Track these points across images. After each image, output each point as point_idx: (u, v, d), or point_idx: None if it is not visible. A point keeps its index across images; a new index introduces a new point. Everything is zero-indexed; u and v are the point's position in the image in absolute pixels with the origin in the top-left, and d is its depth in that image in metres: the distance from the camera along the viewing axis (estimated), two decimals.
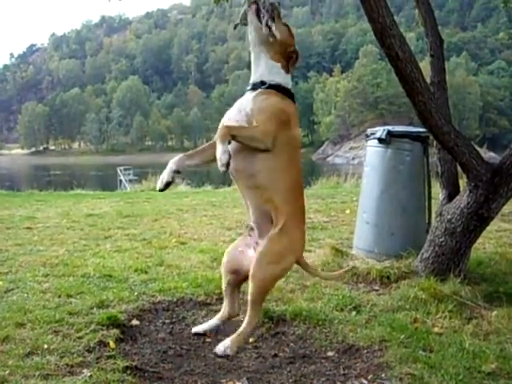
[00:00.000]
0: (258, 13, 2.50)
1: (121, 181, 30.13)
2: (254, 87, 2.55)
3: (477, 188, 3.72)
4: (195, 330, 3.00)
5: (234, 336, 2.72)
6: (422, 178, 4.57)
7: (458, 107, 65.72)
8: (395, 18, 3.36)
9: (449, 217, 3.90)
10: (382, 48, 3.40)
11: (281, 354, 3.05)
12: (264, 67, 2.56)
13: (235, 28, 2.71)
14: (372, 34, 3.35)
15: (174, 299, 3.75)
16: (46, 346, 2.88)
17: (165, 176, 2.45)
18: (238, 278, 2.85)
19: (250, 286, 2.63)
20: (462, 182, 4.08)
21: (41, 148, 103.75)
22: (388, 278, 4.04)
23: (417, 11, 4.21)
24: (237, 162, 2.45)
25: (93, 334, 3.07)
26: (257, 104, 2.46)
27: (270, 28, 2.52)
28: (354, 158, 63.06)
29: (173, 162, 2.49)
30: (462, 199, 3.83)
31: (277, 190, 2.53)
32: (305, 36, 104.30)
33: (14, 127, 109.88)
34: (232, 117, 2.50)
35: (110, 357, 2.85)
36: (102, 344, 3.00)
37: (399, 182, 4.54)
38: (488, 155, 40.89)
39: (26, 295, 3.75)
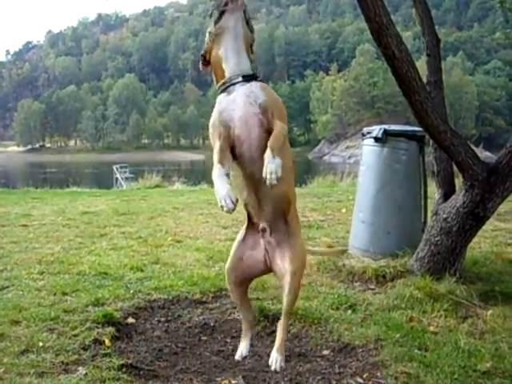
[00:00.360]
0: (245, 7, 2.45)
1: (117, 179, 30.05)
2: (247, 79, 2.45)
3: (473, 187, 3.73)
4: (241, 356, 2.59)
5: (278, 347, 2.42)
6: (418, 177, 4.58)
7: (455, 107, 65.83)
8: (392, 17, 3.36)
9: (444, 216, 3.91)
10: (378, 47, 3.41)
11: None
12: (245, 62, 2.49)
13: (211, 16, 2.60)
14: (369, 32, 3.35)
15: (170, 297, 3.75)
16: (41, 344, 2.88)
17: (230, 193, 2.17)
18: (248, 284, 2.70)
19: (288, 287, 2.43)
20: (458, 182, 4.08)
21: (37, 145, 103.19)
22: (384, 276, 4.04)
23: (414, 10, 4.22)
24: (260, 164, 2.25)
25: (88, 332, 3.07)
26: (268, 95, 2.41)
27: (251, 27, 2.50)
28: (350, 157, 63.12)
29: (222, 178, 2.22)
30: (458, 198, 3.84)
31: (288, 179, 2.47)
32: (301, 35, 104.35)
33: (10, 124, 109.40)
34: (245, 111, 2.35)
35: (105, 355, 2.85)
36: (98, 342, 3.00)
37: (395, 181, 4.54)
38: (484, 155, 40.89)
39: (21, 293, 3.74)
